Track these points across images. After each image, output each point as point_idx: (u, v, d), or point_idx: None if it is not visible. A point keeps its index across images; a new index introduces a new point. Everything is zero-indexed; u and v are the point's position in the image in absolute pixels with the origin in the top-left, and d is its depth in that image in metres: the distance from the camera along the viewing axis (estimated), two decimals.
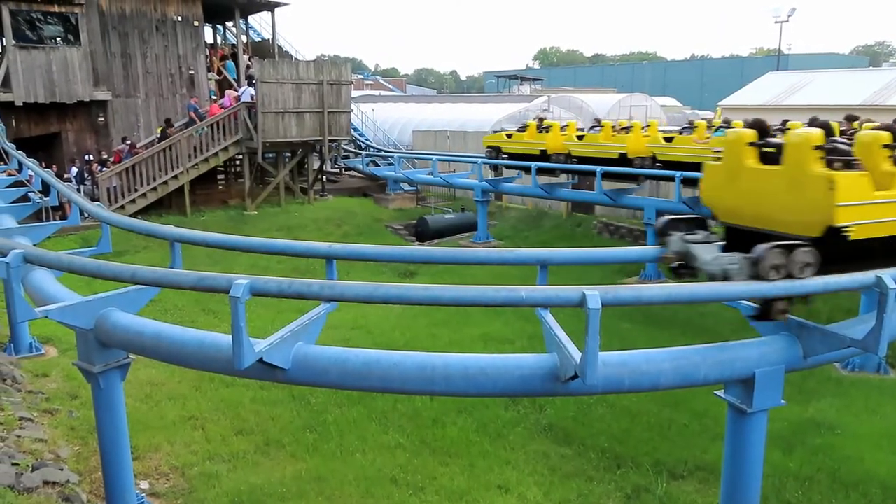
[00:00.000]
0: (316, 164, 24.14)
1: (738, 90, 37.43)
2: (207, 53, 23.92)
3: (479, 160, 19.78)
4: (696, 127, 15.51)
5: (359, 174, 27.13)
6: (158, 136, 20.86)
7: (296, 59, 25.54)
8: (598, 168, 16.40)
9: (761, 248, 4.69)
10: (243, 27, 25.58)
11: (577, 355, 4.09)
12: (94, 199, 17.06)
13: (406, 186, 24.93)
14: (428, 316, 12.42)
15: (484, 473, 7.31)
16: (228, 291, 4.22)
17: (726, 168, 5.38)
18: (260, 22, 27.83)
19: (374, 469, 7.33)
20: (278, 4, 24.15)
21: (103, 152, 20.37)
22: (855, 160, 4.93)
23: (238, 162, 22.96)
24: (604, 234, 19.41)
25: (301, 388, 8.74)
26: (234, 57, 24.64)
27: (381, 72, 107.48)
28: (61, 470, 6.36)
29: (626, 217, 19.49)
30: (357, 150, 28.05)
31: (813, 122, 6.54)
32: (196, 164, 20.59)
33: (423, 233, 20.47)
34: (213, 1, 23.12)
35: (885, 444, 7.91)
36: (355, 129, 27.79)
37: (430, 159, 21.67)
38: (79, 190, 16.44)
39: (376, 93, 48.54)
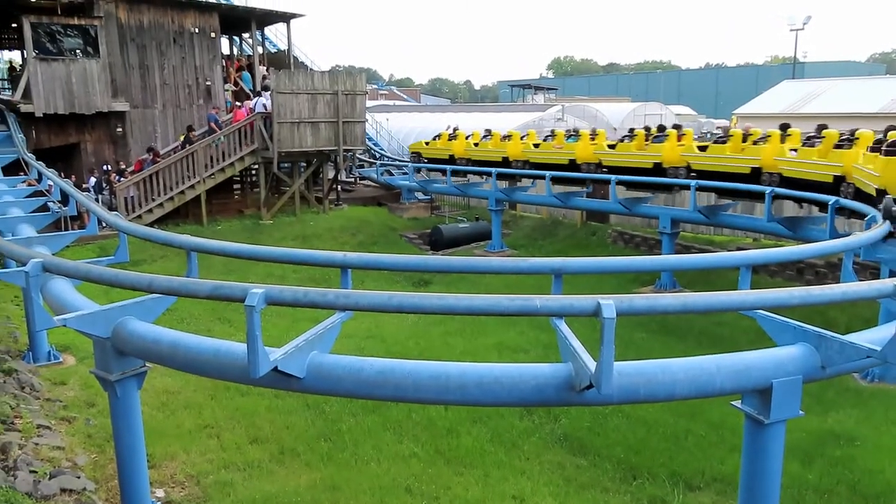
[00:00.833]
0: (331, 174, 24.28)
1: (753, 98, 37.31)
2: (224, 64, 24.18)
3: (494, 170, 19.84)
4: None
5: (373, 183, 27.25)
6: (181, 142, 21.12)
7: (311, 69, 25.74)
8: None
9: None
10: (259, 38, 25.82)
11: (592, 365, 4.07)
12: (111, 208, 17.25)
13: (420, 196, 25.00)
14: (442, 325, 12.42)
15: (499, 483, 7.27)
16: (244, 300, 4.24)
17: None
18: (276, 33, 28.17)
19: (389, 478, 7.31)
20: (294, 16, 24.38)
21: (121, 163, 20.60)
22: None
23: (254, 172, 23.14)
24: (618, 242, 19.33)
25: (316, 397, 8.76)
26: (251, 68, 24.87)
27: (396, 82, 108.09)
28: (78, 478, 6.41)
29: (640, 226, 19.42)
30: (371, 160, 28.20)
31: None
32: (212, 174, 20.79)
33: (438, 242, 20.49)
34: (230, 13, 23.41)
35: None
36: (370, 139, 27.98)
37: (445, 169, 21.78)
38: (97, 200, 16.64)
39: (391, 102, 48.81)
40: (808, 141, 13.00)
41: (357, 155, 25.97)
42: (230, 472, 7.32)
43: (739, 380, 4.62)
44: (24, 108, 19.22)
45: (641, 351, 10.48)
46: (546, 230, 21.32)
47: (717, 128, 26.78)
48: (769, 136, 13.79)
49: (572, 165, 17.94)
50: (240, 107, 22.57)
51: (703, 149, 15.16)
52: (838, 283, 8.36)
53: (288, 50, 25.42)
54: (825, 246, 8.53)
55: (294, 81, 21.28)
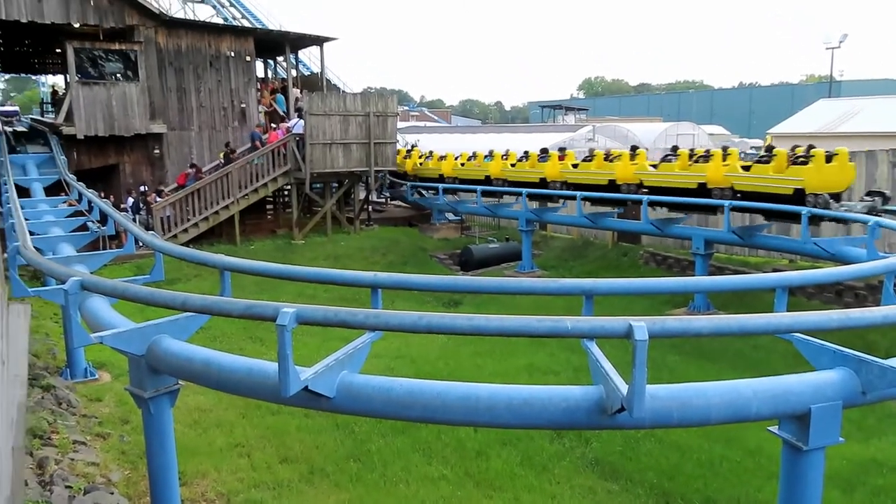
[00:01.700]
0: (362, 195, 24.49)
1: (787, 118, 36.77)
2: (259, 87, 24.66)
3: (524, 190, 19.81)
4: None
5: (404, 204, 27.40)
6: (223, 161, 21.57)
7: (343, 91, 26.11)
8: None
9: None
10: (293, 61, 26.30)
11: (623, 387, 4.01)
12: (148, 228, 17.63)
13: (451, 216, 25.05)
14: (472, 346, 12.37)
15: None
16: (275, 319, 4.28)
17: None
18: (309, 56, 28.72)
19: (418, 501, 7.26)
20: (327, 39, 24.80)
21: (160, 185, 21.08)
22: None
23: (286, 192, 23.49)
24: (650, 263, 19.12)
25: (345, 417, 8.75)
26: (285, 90, 25.32)
27: (427, 103, 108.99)
28: (112, 493, 6.48)
29: (673, 247, 19.19)
30: (402, 181, 28.39)
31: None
32: (246, 195, 21.17)
33: (468, 262, 20.49)
34: (265, 37, 23.91)
35: None
36: None
37: (475, 190, 21.82)
38: (134, 220, 17.01)
39: (422, 124, 49.21)
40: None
41: (388, 175, 26.18)
42: (260, 492, 7.33)
43: (776, 405, 4.51)
44: (66, 130, 19.81)
45: (675, 374, 10.30)
46: (577, 251, 21.20)
47: (752, 148, 26.45)
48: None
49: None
50: (275, 129, 22.98)
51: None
52: (879, 305, 8.15)
53: (321, 72, 25.85)
54: (865, 267, 8.33)
55: (326, 103, 21.62)
